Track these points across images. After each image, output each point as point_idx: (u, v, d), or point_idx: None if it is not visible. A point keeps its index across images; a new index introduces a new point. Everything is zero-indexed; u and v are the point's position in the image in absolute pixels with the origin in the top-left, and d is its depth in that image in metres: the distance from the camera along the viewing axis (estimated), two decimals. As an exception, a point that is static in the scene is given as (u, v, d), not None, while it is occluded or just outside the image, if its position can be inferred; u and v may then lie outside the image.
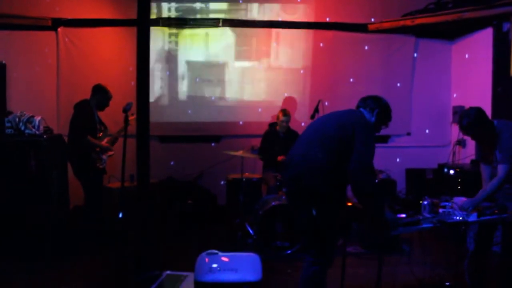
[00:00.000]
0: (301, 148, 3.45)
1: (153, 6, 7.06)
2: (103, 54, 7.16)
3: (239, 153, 5.91)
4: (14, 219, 5.00)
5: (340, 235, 3.99)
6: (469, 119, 3.70)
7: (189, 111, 7.39)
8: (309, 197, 3.32)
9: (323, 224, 3.32)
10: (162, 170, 6.97)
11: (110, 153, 5.75)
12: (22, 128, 5.02)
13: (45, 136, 5.10)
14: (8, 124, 5.04)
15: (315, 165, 3.29)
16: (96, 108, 5.67)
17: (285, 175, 3.53)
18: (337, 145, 3.29)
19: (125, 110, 4.35)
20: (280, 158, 6.12)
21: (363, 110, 3.53)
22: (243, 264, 3.50)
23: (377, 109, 3.51)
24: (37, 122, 5.10)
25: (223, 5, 7.36)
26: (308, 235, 3.45)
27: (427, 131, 7.83)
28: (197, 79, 7.40)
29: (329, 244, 3.40)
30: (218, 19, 7.28)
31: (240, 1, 7.40)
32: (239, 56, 7.44)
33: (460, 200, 3.76)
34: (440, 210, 3.67)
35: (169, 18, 7.22)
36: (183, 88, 7.41)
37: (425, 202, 3.66)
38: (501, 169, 3.69)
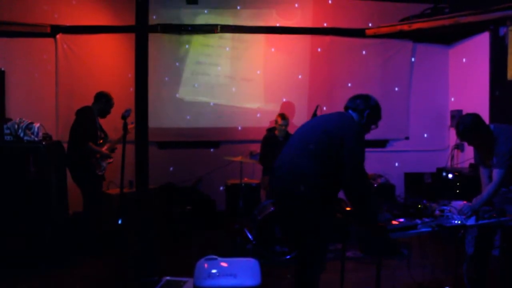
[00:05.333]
0: (288, 157, 3.39)
1: (151, 12, 7.08)
2: (102, 61, 7.18)
3: (238, 158, 5.92)
4: (13, 225, 5.00)
5: (329, 241, 3.98)
6: (465, 125, 3.72)
7: (188, 117, 7.40)
8: (296, 206, 3.27)
9: (311, 231, 3.29)
10: (161, 176, 6.98)
11: (110, 160, 5.76)
12: (21, 135, 5.02)
13: (44, 143, 5.10)
14: (7, 131, 5.04)
15: (300, 173, 3.23)
16: (98, 115, 5.68)
17: (272, 186, 3.48)
18: (324, 151, 3.23)
19: (124, 116, 4.37)
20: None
21: (352, 113, 3.45)
22: (242, 269, 3.51)
23: (368, 110, 3.42)
24: (36, 129, 5.10)
25: (221, 11, 7.38)
26: (297, 242, 3.43)
27: (425, 135, 7.85)
28: (196, 85, 7.41)
29: (320, 250, 3.38)
30: (216, 25, 7.31)
31: (238, 7, 7.43)
32: (237, 62, 7.45)
33: (459, 204, 3.77)
34: (439, 214, 3.68)
35: (167, 25, 7.24)
36: (182, 94, 7.42)
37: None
38: (496, 174, 3.70)
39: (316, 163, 3.23)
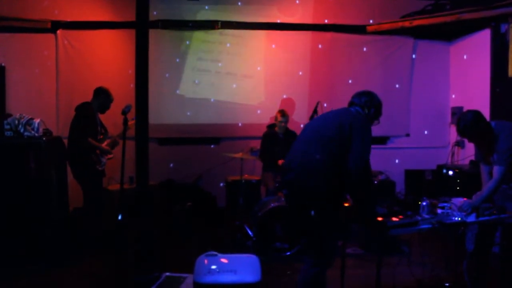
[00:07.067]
0: (299, 150, 3.46)
1: (152, 8, 7.06)
2: (102, 57, 7.17)
3: (239, 155, 5.92)
4: (13, 221, 5.00)
5: (340, 236, 4.00)
6: (466, 122, 3.71)
7: (188, 113, 7.40)
8: (308, 199, 3.32)
9: (323, 225, 3.33)
10: (161, 172, 6.98)
11: (110, 156, 5.75)
12: (22, 130, 5.02)
13: (44, 139, 5.09)
14: (7, 127, 5.03)
15: (313, 166, 3.29)
16: (98, 111, 5.67)
17: (284, 178, 3.53)
18: (335, 145, 3.30)
19: (124, 112, 4.36)
20: (280, 161, 6.12)
21: (359, 109, 3.55)
22: (242, 266, 3.51)
23: (373, 109, 3.56)
24: (36, 125, 5.10)
25: (222, 7, 7.37)
26: (307, 236, 3.45)
27: (426, 132, 7.84)
28: (196, 81, 7.41)
29: (329, 245, 3.41)
30: (216, 21, 7.29)
31: (239, 3, 7.41)
32: (238, 58, 7.44)
33: (459, 201, 3.76)
34: (439, 211, 3.68)
35: (167, 20, 7.23)
36: (182, 90, 7.41)
37: (424, 203, 3.66)
38: (497, 171, 3.70)
39: (328, 156, 3.30)
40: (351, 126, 3.30)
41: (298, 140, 3.59)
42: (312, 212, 3.30)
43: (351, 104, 3.62)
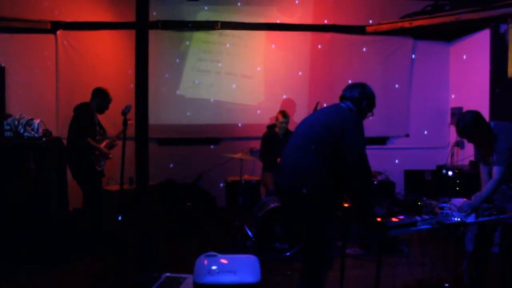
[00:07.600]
0: (291, 155, 3.39)
1: (152, 9, 7.06)
2: (102, 57, 7.17)
3: (238, 155, 5.93)
4: (14, 222, 5.00)
5: (339, 237, 4.00)
6: (465, 122, 3.71)
7: (188, 113, 7.40)
8: (305, 203, 3.27)
9: (321, 228, 3.30)
10: (161, 173, 6.97)
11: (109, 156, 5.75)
12: (21, 131, 5.02)
13: (44, 139, 5.10)
14: (7, 127, 5.04)
15: (307, 171, 3.24)
16: (97, 111, 5.66)
17: (278, 184, 3.50)
18: (327, 146, 3.24)
19: (124, 112, 4.36)
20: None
21: (350, 103, 3.45)
22: (242, 266, 3.51)
23: (365, 101, 3.46)
24: (36, 125, 5.10)
25: (222, 8, 7.38)
26: (306, 240, 3.44)
27: (425, 132, 7.85)
28: (196, 81, 7.41)
29: (328, 247, 3.38)
30: (216, 22, 7.30)
31: (239, 4, 7.42)
32: (238, 58, 7.44)
33: (459, 201, 3.76)
34: (439, 211, 3.68)
35: (167, 21, 7.23)
36: (182, 90, 7.42)
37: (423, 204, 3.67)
38: (496, 171, 3.70)
39: (320, 160, 3.24)
40: (342, 125, 3.23)
41: (289, 145, 3.51)
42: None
43: (342, 98, 3.53)
